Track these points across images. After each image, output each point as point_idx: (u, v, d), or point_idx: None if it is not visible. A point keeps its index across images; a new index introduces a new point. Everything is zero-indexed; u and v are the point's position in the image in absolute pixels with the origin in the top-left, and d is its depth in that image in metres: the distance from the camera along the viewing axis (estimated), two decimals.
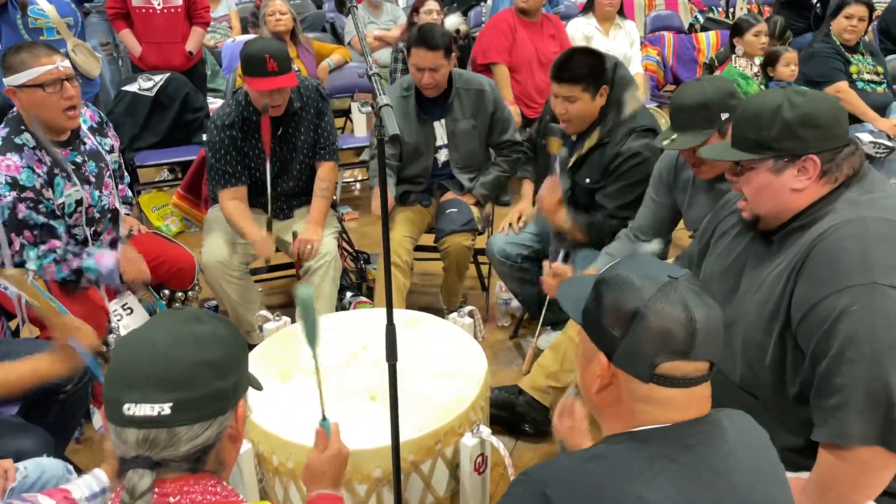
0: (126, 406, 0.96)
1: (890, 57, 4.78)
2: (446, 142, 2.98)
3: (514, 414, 2.40)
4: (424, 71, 2.77)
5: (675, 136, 1.97)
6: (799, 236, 1.36)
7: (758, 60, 4.10)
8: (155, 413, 0.96)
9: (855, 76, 4.06)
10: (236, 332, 1.09)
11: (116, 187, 2.54)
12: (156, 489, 0.97)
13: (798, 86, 3.73)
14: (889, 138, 3.84)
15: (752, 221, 1.46)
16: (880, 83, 4.12)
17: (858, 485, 1.25)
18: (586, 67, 2.41)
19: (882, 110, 4.03)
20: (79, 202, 2.33)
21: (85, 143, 2.41)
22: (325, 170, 2.86)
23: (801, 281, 1.30)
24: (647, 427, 1.00)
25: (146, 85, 4.05)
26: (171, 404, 0.96)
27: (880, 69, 4.15)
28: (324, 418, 1.44)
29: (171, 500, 0.98)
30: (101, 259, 2.27)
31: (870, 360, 1.20)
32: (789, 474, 1.32)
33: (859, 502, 1.27)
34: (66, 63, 2.23)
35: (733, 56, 4.18)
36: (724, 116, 1.92)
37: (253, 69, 2.53)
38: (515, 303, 3.06)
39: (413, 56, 2.77)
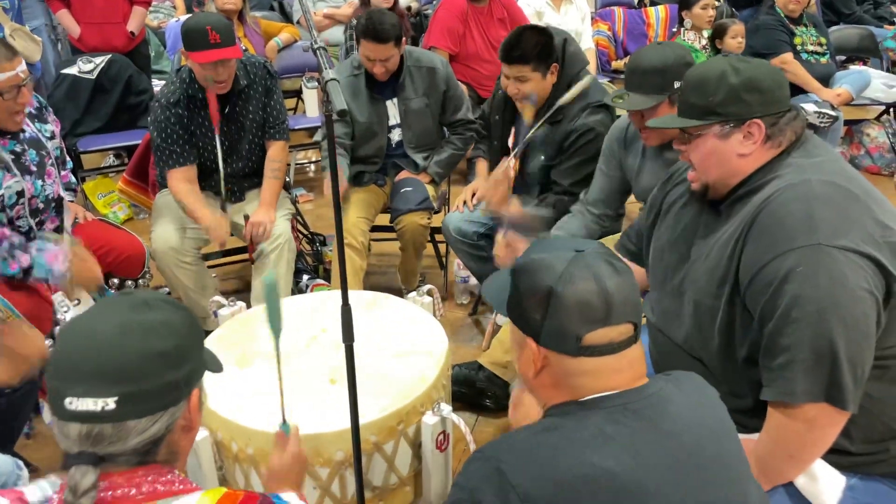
0: (68, 400, 0.91)
1: (833, 28, 4.89)
2: (399, 121, 2.94)
3: (474, 390, 2.41)
4: (375, 62, 2.74)
5: (623, 94, 1.99)
6: (745, 203, 1.38)
7: (706, 33, 4.15)
8: (98, 408, 0.90)
9: (799, 47, 4.14)
10: (190, 317, 1.03)
11: (59, 174, 2.45)
12: (103, 482, 0.93)
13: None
14: (833, 108, 3.93)
15: (701, 192, 1.48)
16: (823, 54, 4.21)
17: (806, 442, 1.28)
18: (535, 47, 2.40)
19: (825, 81, 4.12)
20: (20, 193, 2.24)
21: (24, 131, 2.31)
22: (275, 149, 2.81)
23: (749, 245, 1.33)
24: (593, 395, 1.02)
25: (86, 67, 3.91)
26: (116, 398, 0.91)
27: (823, 40, 4.23)
28: (284, 422, 1.42)
29: (119, 492, 0.93)
30: (53, 260, 2.18)
31: (815, 319, 1.22)
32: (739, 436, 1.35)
33: (807, 459, 1.31)
34: (24, 66, 2.16)
35: (682, 29, 4.22)
36: (677, 85, 1.94)
37: (195, 43, 2.46)
38: (474, 280, 3.06)
39: (363, 48, 2.73)
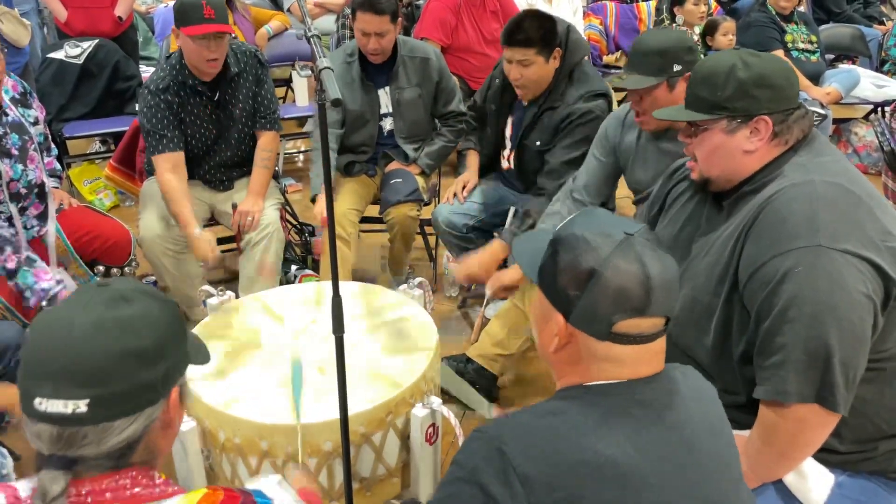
0: (38, 400, 0.86)
1: (823, 27, 4.91)
2: (391, 110, 2.93)
3: None
4: (370, 36, 2.71)
5: (623, 74, 2.00)
6: (748, 200, 1.37)
7: (697, 29, 4.16)
8: (69, 411, 0.86)
9: (790, 45, 4.16)
10: (171, 309, 0.98)
11: (42, 160, 2.42)
12: (77, 486, 0.88)
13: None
14: (822, 106, 3.95)
15: (701, 183, 1.47)
16: (814, 52, 4.23)
17: (797, 441, 1.29)
18: (539, 30, 2.39)
19: (815, 79, 4.15)
20: None
21: (7, 115, 2.28)
22: (266, 139, 2.78)
23: (749, 243, 1.32)
24: (603, 381, 1.01)
25: (73, 52, 3.86)
26: (87, 401, 0.86)
27: (814, 38, 4.25)
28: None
29: (94, 498, 0.89)
30: (40, 277, 2.14)
31: (810, 320, 1.22)
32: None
33: (797, 458, 1.31)
34: None
35: (674, 25, 4.22)
36: (677, 68, 1.95)
37: (189, 17, 2.44)
38: None
39: (358, 20, 2.70)
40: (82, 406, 0.86)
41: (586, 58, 2.61)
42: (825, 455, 1.33)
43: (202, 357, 1.05)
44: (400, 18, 2.77)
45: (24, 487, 0.94)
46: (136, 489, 0.91)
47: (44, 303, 2.14)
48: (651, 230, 1.65)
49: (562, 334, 1.02)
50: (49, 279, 2.13)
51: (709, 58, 1.45)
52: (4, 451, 1.71)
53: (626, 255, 0.98)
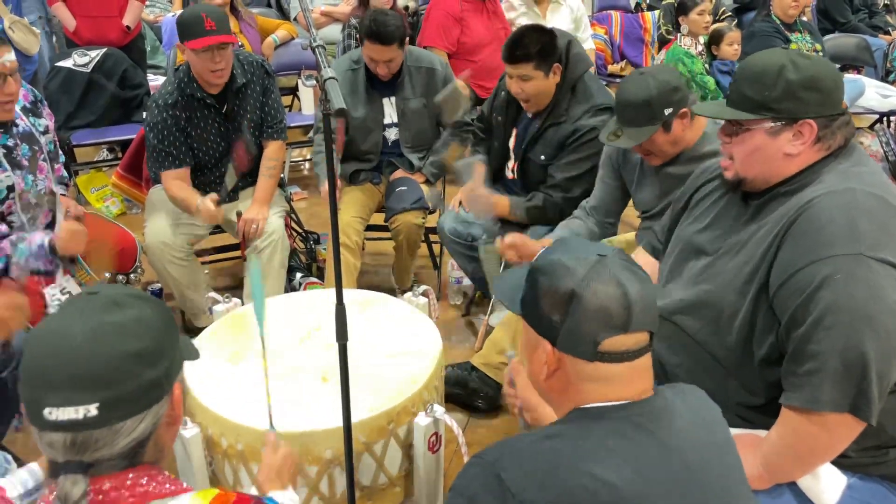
0: (47, 410, 0.88)
1: (828, 36, 4.92)
2: (396, 120, 2.94)
3: (467, 390, 2.41)
4: (378, 63, 2.75)
5: (618, 130, 2.02)
6: (784, 202, 1.35)
7: (702, 39, 4.17)
8: (80, 416, 0.88)
9: None
10: (163, 310, 1.00)
11: (52, 169, 2.44)
12: (92, 487, 0.91)
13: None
14: None
15: (734, 182, 1.44)
16: None
17: (818, 447, 1.28)
18: (537, 45, 2.41)
19: None
20: (10, 188, 2.23)
21: (17, 126, 2.30)
22: (272, 148, 2.80)
23: (785, 247, 1.30)
24: (600, 404, 1.01)
25: (81, 61, 3.89)
26: (97, 404, 0.88)
27: (818, 47, 4.26)
28: (271, 425, 1.48)
29: (110, 496, 0.92)
30: (32, 240, 2.18)
31: (847, 329, 1.21)
32: (742, 431, 1.33)
33: (816, 463, 1.30)
34: (12, 56, 2.15)
35: (678, 35, 4.23)
36: (668, 111, 1.95)
37: (190, 31, 2.47)
38: (468, 281, 3.05)
39: (366, 48, 2.75)
40: (93, 410, 0.89)
41: (591, 70, 2.61)
42: (837, 459, 1.31)
43: (193, 353, 1.08)
44: (406, 38, 2.79)
45: (11, 485, 0.95)
46: (150, 486, 0.94)
47: (53, 309, 2.16)
48: (669, 238, 1.66)
49: (550, 361, 1.03)
50: (38, 235, 2.15)
51: (757, 55, 1.41)
52: (9, 456, 1.72)
53: (602, 275, 1.00)
